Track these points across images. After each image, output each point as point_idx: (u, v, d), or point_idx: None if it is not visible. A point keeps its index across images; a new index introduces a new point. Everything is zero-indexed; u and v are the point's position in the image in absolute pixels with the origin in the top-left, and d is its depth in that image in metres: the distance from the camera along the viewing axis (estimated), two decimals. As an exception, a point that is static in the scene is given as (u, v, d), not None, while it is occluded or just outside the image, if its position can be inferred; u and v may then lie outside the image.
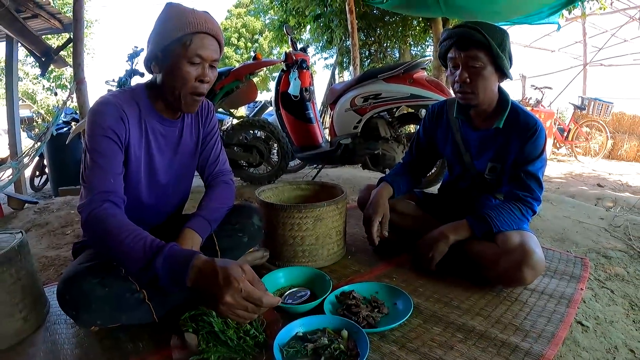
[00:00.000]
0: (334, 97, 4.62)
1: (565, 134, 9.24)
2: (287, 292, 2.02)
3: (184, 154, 2.02)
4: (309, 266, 2.35)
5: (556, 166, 8.09)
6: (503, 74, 2.16)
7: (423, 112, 4.07)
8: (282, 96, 4.86)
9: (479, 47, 2.07)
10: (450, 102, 2.48)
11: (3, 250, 1.74)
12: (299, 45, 5.06)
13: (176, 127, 1.95)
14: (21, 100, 13.84)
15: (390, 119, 4.41)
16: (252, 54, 4.87)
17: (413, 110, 4.42)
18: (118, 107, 1.69)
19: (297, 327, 1.67)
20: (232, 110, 5.39)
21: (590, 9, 8.64)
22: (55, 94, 19.45)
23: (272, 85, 5.21)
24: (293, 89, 4.62)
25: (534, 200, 2.16)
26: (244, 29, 32.79)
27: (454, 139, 2.45)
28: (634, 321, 1.99)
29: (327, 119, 9.27)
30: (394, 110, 4.37)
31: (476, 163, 2.40)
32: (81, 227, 1.59)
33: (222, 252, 2.00)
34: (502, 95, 2.26)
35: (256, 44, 32.45)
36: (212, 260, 1.39)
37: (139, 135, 1.79)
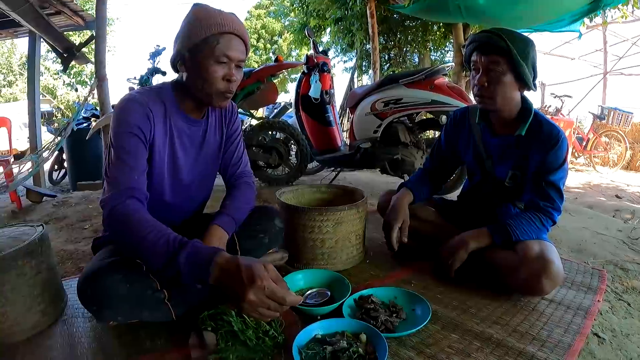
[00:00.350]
0: (354, 100, 4.63)
1: (584, 143, 9.17)
2: (308, 292, 2.03)
3: (208, 153, 2.04)
4: (327, 269, 2.36)
5: (574, 176, 8.02)
6: (524, 83, 2.16)
7: (444, 118, 4.07)
8: (302, 98, 4.89)
9: (500, 53, 2.08)
10: (472, 108, 2.49)
11: (25, 242, 1.76)
12: (320, 48, 5.07)
13: (200, 127, 1.98)
14: (42, 95, 13.98)
15: (410, 125, 4.41)
16: (272, 55, 4.91)
17: (433, 116, 4.43)
18: (144, 105, 1.72)
19: (316, 329, 1.68)
20: (252, 111, 5.43)
21: (612, 17, 8.57)
22: (76, 90, 19.66)
23: (291, 86, 5.25)
24: (314, 92, 4.65)
25: (554, 211, 2.17)
26: (263, 30, 32.81)
27: (476, 145, 2.46)
28: (650, 335, 1.98)
29: (346, 122, 9.29)
30: (414, 115, 4.38)
31: (497, 170, 2.40)
32: (103, 222, 1.64)
33: (243, 252, 2.02)
34: (526, 103, 2.26)
35: (275, 46, 32.47)
36: (236, 257, 1.41)
37: (164, 133, 1.82)
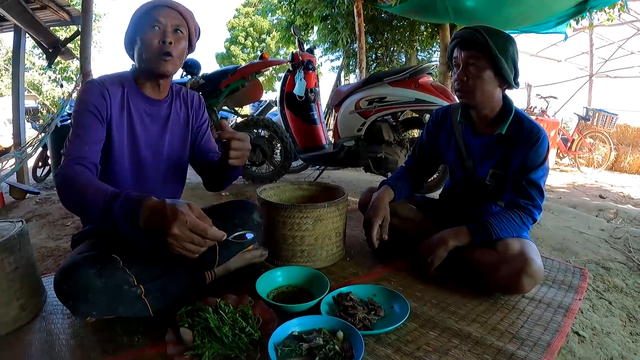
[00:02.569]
0: (339, 99, 4.63)
1: (569, 144, 9.23)
2: (236, 234, 1.87)
3: (175, 133, 2.09)
4: (307, 266, 2.35)
5: (559, 176, 8.08)
6: (504, 80, 2.17)
7: (427, 117, 4.09)
8: (287, 96, 4.88)
9: (479, 49, 2.11)
10: (454, 107, 2.50)
11: (3, 238, 1.76)
12: (306, 46, 5.06)
13: (162, 106, 2.03)
14: (27, 91, 13.87)
15: (394, 123, 4.42)
16: (259, 53, 4.89)
17: (417, 115, 4.43)
18: (101, 86, 1.81)
19: (292, 326, 1.67)
20: (236, 109, 5.41)
21: (598, 20, 8.64)
22: (61, 86, 19.52)
23: (278, 85, 5.22)
24: (298, 90, 4.64)
25: (534, 209, 2.16)
26: (251, 28, 32.83)
27: (457, 144, 2.46)
28: (631, 333, 1.98)
29: (332, 121, 9.30)
30: (398, 114, 4.38)
31: (478, 169, 2.40)
32: (57, 193, 1.62)
33: (221, 246, 1.99)
34: (506, 102, 2.27)
35: (263, 44, 32.49)
36: (162, 200, 1.45)
37: (120, 112, 1.88)
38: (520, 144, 2.18)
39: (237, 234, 1.80)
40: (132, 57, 1.90)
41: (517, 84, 2.21)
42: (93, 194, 1.50)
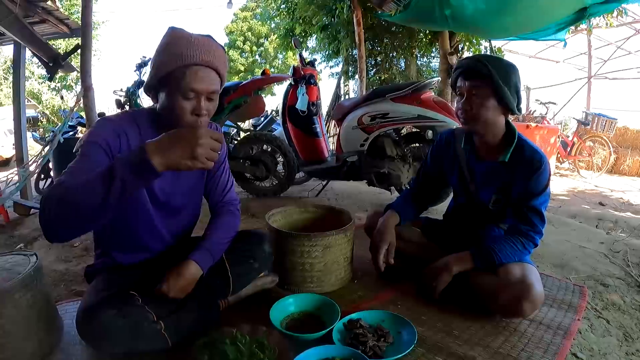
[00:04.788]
0: (341, 113, 4.69)
1: (569, 148, 9.26)
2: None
3: (189, 178, 2.03)
4: (316, 291, 2.41)
5: (559, 181, 8.13)
6: (507, 108, 2.22)
7: (430, 133, 4.14)
8: (289, 110, 4.93)
9: (482, 78, 2.16)
10: (458, 132, 2.55)
11: (20, 276, 1.75)
12: (307, 58, 5.12)
13: None
14: (27, 100, 13.85)
15: (397, 138, 4.47)
16: (257, 57, 4.94)
17: (419, 130, 4.49)
18: (119, 126, 1.74)
19: (309, 357, 1.72)
20: (239, 123, 5.47)
21: (597, 24, 8.67)
22: (62, 97, 19.47)
23: (278, 89, 5.30)
24: (300, 104, 4.69)
25: (535, 234, 2.23)
26: (249, 33, 32.77)
27: (460, 169, 2.52)
28: (626, 353, 2.04)
29: (332, 128, 9.33)
30: (401, 128, 4.44)
31: (481, 194, 2.47)
32: (40, 214, 1.45)
33: (235, 277, 2.06)
34: (509, 129, 2.32)
35: (261, 48, 32.43)
36: (160, 136, 1.42)
37: None
38: (522, 171, 2.24)
39: None
40: (152, 99, 1.83)
41: (519, 110, 2.27)
42: (86, 181, 1.40)
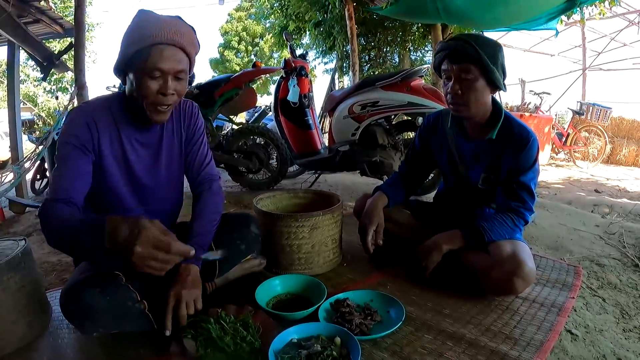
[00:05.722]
0: (332, 104, 4.66)
1: (564, 139, 9.24)
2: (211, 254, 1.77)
3: (169, 158, 2.02)
4: (305, 273, 2.39)
5: (554, 171, 8.10)
6: (495, 86, 2.19)
7: (420, 119, 4.11)
8: (281, 103, 4.89)
9: (471, 61, 2.11)
10: (445, 112, 2.52)
11: (7, 257, 1.78)
12: (298, 52, 5.09)
13: (154, 132, 1.95)
14: (22, 103, 13.82)
15: (388, 127, 4.44)
16: (253, 57, 4.92)
17: (410, 118, 4.46)
18: (87, 115, 1.73)
19: (291, 334, 1.71)
20: (231, 117, 5.44)
21: (590, 14, 8.65)
22: (57, 98, 19.46)
23: (273, 88, 5.24)
24: (292, 96, 4.65)
25: (525, 210, 2.20)
26: (244, 33, 32.77)
27: (449, 149, 2.49)
28: (624, 330, 2.02)
29: (327, 125, 9.31)
30: (392, 117, 4.41)
31: (470, 174, 2.44)
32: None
33: (221, 260, 2.02)
34: (496, 106, 2.29)
35: (257, 48, 32.43)
36: (122, 216, 1.41)
37: (110, 140, 1.80)
38: (510, 147, 2.21)
39: (212, 257, 1.72)
40: (121, 81, 1.80)
41: (505, 87, 2.22)
42: (70, 226, 1.48)
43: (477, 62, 2.10)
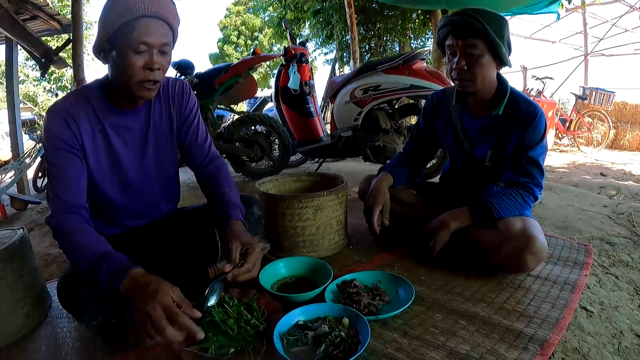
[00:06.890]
0: (333, 90, 4.61)
1: (567, 124, 9.18)
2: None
3: (159, 142, 1.93)
4: (310, 256, 2.34)
5: (559, 156, 8.04)
6: (501, 62, 2.14)
7: (423, 102, 4.05)
8: (282, 91, 4.87)
9: (477, 35, 2.05)
10: (449, 90, 2.47)
11: (4, 245, 1.76)
12: (298, 40, 5.05)
13: (139, 116, 1.86)
14: (22, 103, 13.80)
15: (390, 111, 4.40)
16: (252, 50, 4.87)
17: (413, 101, 4.42)
18: (63, 113, 1.66)
19: (297, 315, 1.68)
20: (232, 106, 5.40)
21: (592, -1, 8.61)
22: (56, 95, 19.46)
23: (273, 81, 5.19)
24: (292, 83, 4.62)
25: (535, 186, 2.15)
26: (243, 27, 32.79)
27: (454, 127, 2.44)
28: (639, 306, 1.97)
29: (328, 114, 9.27)
30: (394, 101, 4.36)
31: (476, 151, 2.39)
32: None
33: (222, 241, 1.97)
34: (501, 82, 2.24)
35: (256, 42, 32.45)
36: (151, 274, 1.43)
37: (92, 134, 1.74)
38: (517, 123, 2.17)
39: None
40: (102, 62, 1.68)
41: (510, 62, 2.18)
42: (84, 248, 1.51)
43: (484, 37, 2.04)
